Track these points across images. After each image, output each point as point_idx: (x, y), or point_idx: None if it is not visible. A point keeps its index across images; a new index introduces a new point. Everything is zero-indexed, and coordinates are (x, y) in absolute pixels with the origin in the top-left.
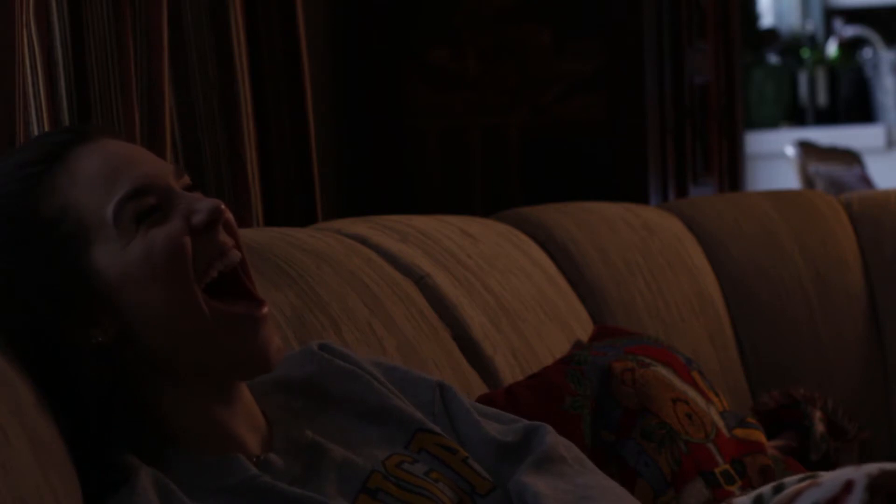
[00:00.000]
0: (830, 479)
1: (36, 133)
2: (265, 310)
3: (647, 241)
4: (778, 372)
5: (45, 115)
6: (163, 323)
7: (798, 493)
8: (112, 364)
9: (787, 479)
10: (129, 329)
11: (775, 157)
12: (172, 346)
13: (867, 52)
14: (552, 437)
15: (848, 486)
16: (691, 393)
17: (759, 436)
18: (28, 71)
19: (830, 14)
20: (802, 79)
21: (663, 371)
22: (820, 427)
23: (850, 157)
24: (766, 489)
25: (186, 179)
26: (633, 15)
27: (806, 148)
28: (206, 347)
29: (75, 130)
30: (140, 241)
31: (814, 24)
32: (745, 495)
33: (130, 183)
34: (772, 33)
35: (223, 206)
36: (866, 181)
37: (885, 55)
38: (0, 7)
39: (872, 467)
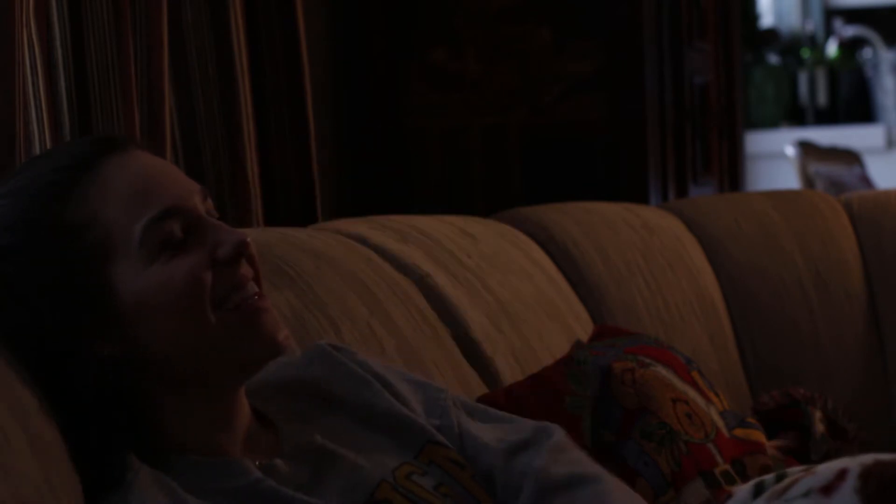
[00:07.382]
0: (825, 467)
1: (36, 133)
2: (266, 301)
3: (647, 241)
4: (778, 372)
5: (45, 115)
6: (173, 347)
7: (794, 482)
8: (115, 376)
9: (790, 470)
10: (138, 346)
11: (775, 157)
12: (180, 364)
13: (867, 52)
14: (560, 433)
15: (842, 474)
16: (691, 393)
17: (759, 436)
18: (28, 71)
19: (830, 14)
20: (802, 79)
21: (663, 371)
22: (820, 427)
23: (850, 157)
24: (768, 477)
25: (210, 203)
26: (633, 15)
27: (806, 148)
28: (213, 355)
29: (106, 140)
30: (161, 267)
31: (814, 24)
32: (748, 482)
33: (161, 204)
34: (772, 33)
35: (248, 241)
36: (866, 181)
37: (885, 55)
38: (0, 7)
39: (867, 457)
